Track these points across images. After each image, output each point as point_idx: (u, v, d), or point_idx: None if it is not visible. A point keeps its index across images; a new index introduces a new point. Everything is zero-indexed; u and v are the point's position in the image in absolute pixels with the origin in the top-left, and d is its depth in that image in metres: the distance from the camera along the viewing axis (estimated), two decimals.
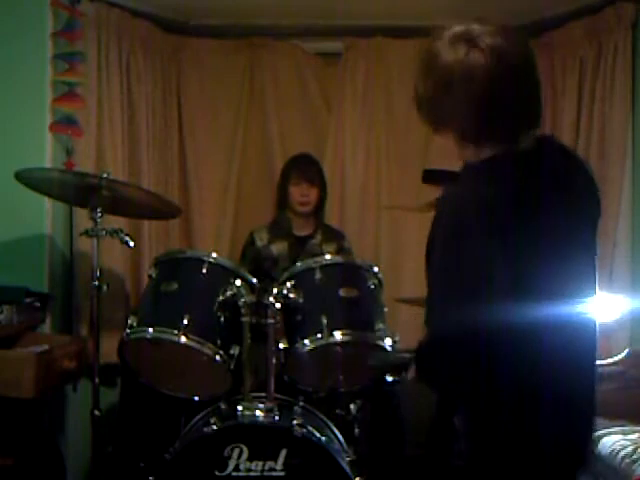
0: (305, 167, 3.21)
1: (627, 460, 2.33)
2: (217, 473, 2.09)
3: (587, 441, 1.42)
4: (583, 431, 1.38)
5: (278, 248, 3.17)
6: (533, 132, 1.38)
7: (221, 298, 2.30)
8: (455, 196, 1.34)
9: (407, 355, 2.05)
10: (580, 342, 1.33)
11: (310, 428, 2.21)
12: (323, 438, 2.25)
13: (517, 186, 1.30)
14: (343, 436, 2.44)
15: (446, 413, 1.31)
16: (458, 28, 1.35)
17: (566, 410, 1.30)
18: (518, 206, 1.28)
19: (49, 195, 2.80)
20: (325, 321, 2.27)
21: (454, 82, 1.32)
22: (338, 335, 2.25)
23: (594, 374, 1.39)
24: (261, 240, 3.20)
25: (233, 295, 2.27)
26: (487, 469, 1.31)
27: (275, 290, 2.29)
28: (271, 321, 2.22)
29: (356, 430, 2.56)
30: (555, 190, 1.34)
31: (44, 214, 2.94)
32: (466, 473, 1.33)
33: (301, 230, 3.21)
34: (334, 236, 3.26)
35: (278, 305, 2.24)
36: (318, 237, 3.22)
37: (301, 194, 3.15)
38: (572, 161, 1.44)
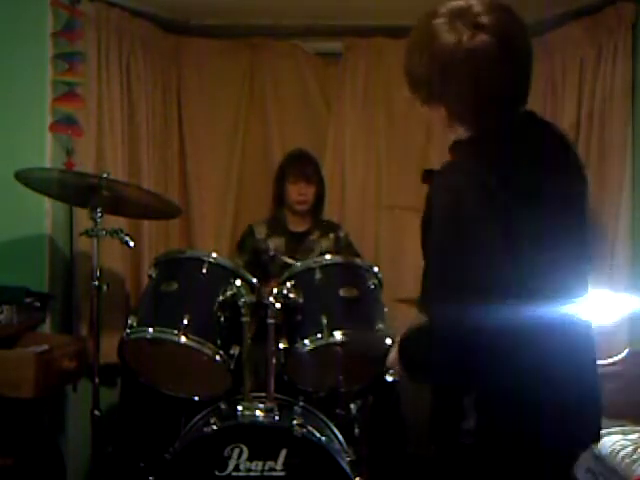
0: (302, 165, 3.20)
1: (627, 460, 2.33)
2: (217, 473, 2.09)
3: (590, 427, 1.39)
4: (585, 422, 1.36)
5: (275, 243, 3.18)
6: (522, 108, 1.36)
7: (221, 298, 2.30)
8: (454, 178, 1.29)
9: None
10: (575, 337, 1.31)
11: (310, 428, 2.21)
12: (323, 438, 2.25)
13: (514, 168, 1.28)
14: (343, 436, 2.44)
15: (452, 393, 1.28)
16: (456, 4, 1.30)
17: (564, 407, 1.29)
18: (517, 190, 1.26)
19: (49, 195, 2.80)
20: (325, 321, 2.26)
21: (453, 64, 1.28)
22: (338, 335, 2.25)
23: (594, 370, 1.38)
24: (259, 234, 3.21)
25: (233, 295, 2.28)
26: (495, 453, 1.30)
27: (275, 290, 2.29)
28: (271, 321, 2.22)
29: (356, 430, 2.56)
30: (550, 170, 1.32)
31: (44, 214, 2.94)
32: (475, 451, 1.31)
33: (297, 226, 3.22)
34: (330, 229, 3.26)
35: (278, 305, 2.24)
36: (315, 233, 3.22)
37: (299, 193, 3.15)
38: (559, 138, 1.41)
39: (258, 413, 2.20)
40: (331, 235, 3.24)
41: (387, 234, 3.64)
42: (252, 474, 2.10)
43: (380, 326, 2.31)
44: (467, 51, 1.27)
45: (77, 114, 3.03)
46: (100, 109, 3.16)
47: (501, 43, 1.27)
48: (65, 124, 2.99)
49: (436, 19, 1.31)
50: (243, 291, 2.26)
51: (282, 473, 2.09)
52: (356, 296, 2.37)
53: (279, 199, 3.24)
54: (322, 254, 3.09)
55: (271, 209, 3.32)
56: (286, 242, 3.17)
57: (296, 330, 2.32)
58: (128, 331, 2.29)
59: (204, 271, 2.36)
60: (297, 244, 3.17)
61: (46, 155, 2.95)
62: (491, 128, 1.33)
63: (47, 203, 2.92)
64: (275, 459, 2.10)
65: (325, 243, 3.21)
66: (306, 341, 2.26)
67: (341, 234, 3.27)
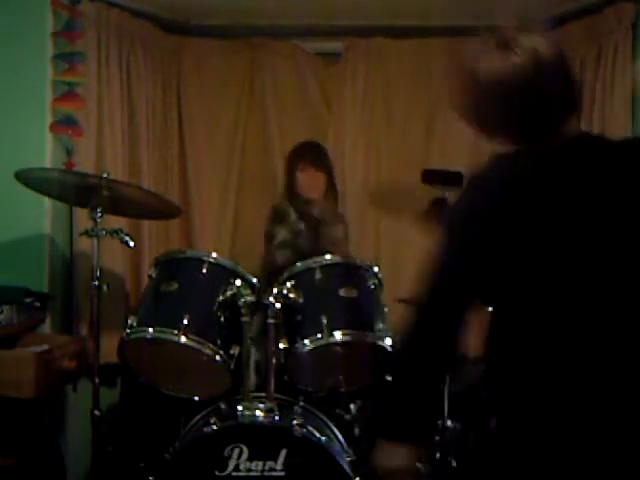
0: (310, 153, 3.19)
1: None
2: (217, 473, 2.09)
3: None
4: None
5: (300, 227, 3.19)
6: (571, 126, 1.35)
7: (221, 298, 2.29)
8: (487, 193, 1.30)
9: None
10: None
11: (310, 428, 2.21)
12: (323, 438, 2.24)
13: (550, 188, 1.27)
14: (343, 436, 2.44)
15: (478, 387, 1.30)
16: (498, 33, 1.34)
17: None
18: (548, 212, 1.26)
19: (49, 195, 2.80)
20: (325, 321, 2.27)
21: (485, 88, 1.32)
22: (338, 335, 2.25)
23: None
24: (291, 215, 3.20)
25: (233, 295, 2.27)
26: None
27: (275, 290, 2.29)
28: (271, 321, 2.22)
29: (356, 430, 2.56)
30: (594, 195, 1.27)
31: (44, 214, 2.94)
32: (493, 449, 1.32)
33: (313, 212, 3.20)
34: (338, 219, 3.27)
35: (278, 305, 2.24)
36: (328, 221, 3.21)
37: (308, 179, 3.15)
38: (615, 160, 1.33)
39: (258, 413, 2.20)
40: (340, 225, 3.25)
41: (387, 234, 3.64)
42: (252, 474, 2.09)
43: (380, 326, 2.31)
44: (499, 74, 1.30)
45: (77, 114, 3.03)
46: (100, 109, 3.16)
47: (534, 67, 1.29)
48: (65, 124, 2.99)
49: (476, 49, 1.36)
50: (243, 291, 2.26)
51: (282, 473, 2.09)
52: (356, 296, 2.37)
53: (290, 190, 3.21)
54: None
55: (284, 201, 3.28)
56: (306, 227, 3.17)
57: (296, 330, 2.32)
58: (128, 331, 2.29)
59: (204, 271, 2.36)
60: (316, 230, 3.16)
61: (46, 155, 2.95)
62: (527, 148, 1.33)
63: (47, 203, 2.92)
64: (275, 459, 2.09)
65: (335, 232, 3.21)
66: (306, 341, 2.26)
67: (346, 226, 3.29)
